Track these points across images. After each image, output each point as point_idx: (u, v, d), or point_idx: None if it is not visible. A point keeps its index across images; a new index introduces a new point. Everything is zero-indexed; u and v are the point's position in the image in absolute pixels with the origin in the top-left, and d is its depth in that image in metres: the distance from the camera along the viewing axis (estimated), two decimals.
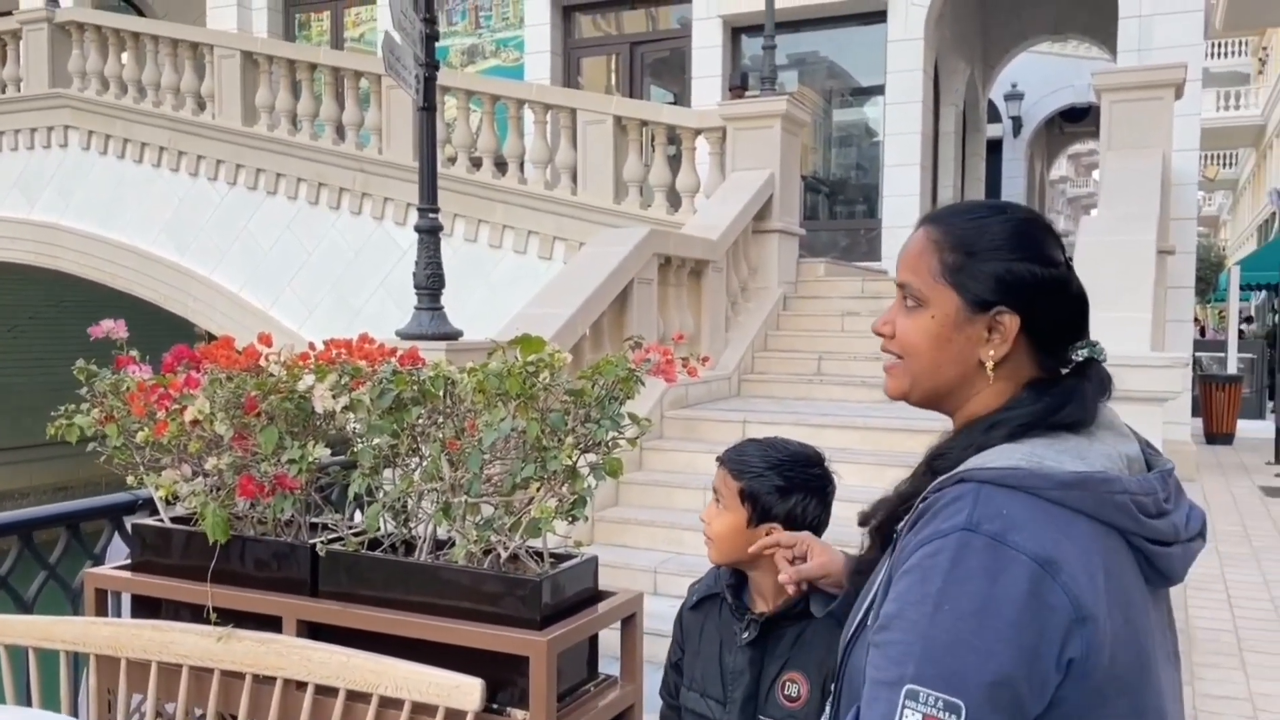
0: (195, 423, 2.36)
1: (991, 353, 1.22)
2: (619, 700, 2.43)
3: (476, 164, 9.75)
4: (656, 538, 5.58)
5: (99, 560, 3.25)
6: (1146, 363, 3.36)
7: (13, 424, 16.34)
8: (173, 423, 2.37)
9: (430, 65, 4.82)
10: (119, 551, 3.36)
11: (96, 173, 11.44)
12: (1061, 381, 1.22)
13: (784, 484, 1.93)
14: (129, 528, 3.39)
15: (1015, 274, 1.21)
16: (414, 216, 9.75)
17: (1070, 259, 1.29)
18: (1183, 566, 1.21)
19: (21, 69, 12.12)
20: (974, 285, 1.22)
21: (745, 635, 1.96)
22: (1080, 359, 1.23)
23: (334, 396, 2.25)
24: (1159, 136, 7.52)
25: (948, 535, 1.10)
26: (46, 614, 2.92)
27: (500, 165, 9.76)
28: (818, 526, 1.98)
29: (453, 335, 4.87)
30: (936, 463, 1.25)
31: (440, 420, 2.34)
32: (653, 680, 2.51)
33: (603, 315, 6.19)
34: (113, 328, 2.64)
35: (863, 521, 1.42)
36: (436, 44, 4.90)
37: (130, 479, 2.57)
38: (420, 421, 2.27)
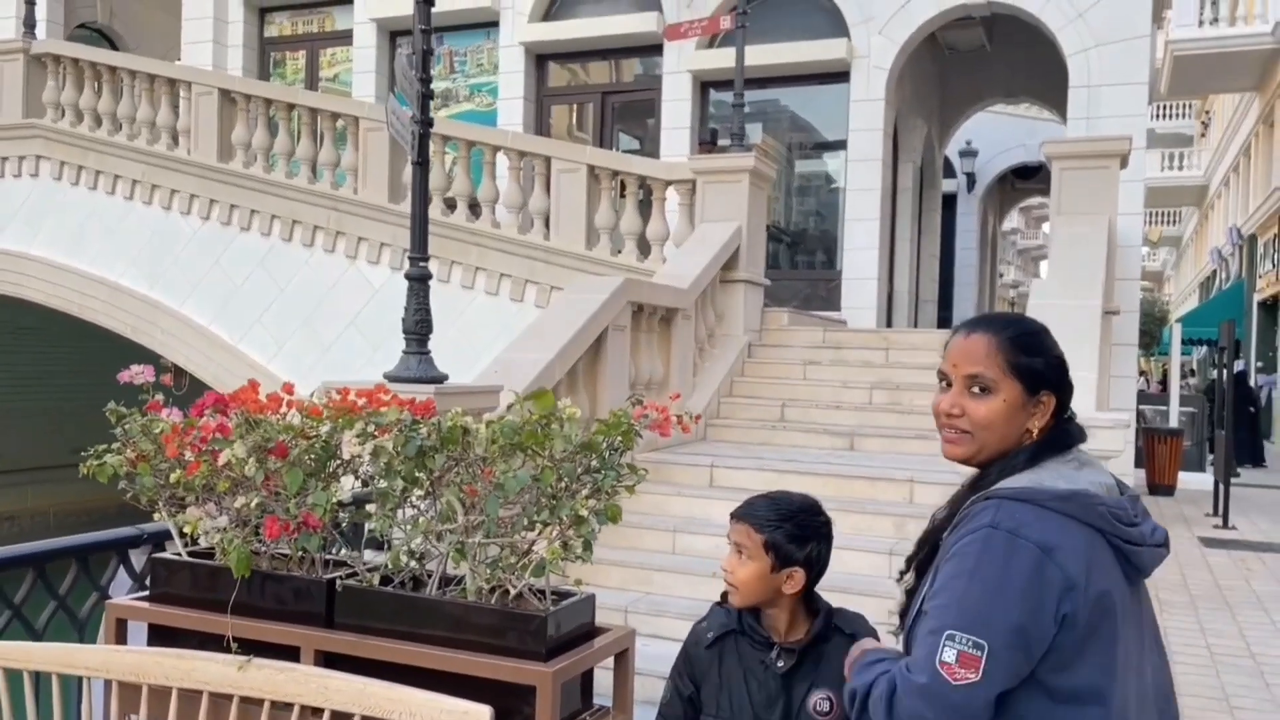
0: (226, 464, 2.54)
1: (1038, 423, 1.72)
2: None
3: (451, 206, 9.97)
4: (626, 578, 5.77)
5: (104, 591, 3.39)
6: (1092, 423, 3.66)
7: None
8: (204, 464, 2.55)
9: (425, 122, 5.07)
10: (122, 584, 3.51)
11: (68, 203, 11.49)
12: (1059, 427, 1.74)
13: (800, 533, 2.21)
14: (133, 561, 3.55)
15: (1054, 368, 1.74)
16: (387, 256, 10.04)
17: (1042, 331, 1.82)
18: (1151, 564, 1.69)
19: None
20: (1031, 378, 1.71)
21: (780, 663, 2.19)
22: (1067, 414, 1.77)
23: (360, 443, 2.45)
24: (1105, 203, 7.95)
25: (976, 532, 1.59)
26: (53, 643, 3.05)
27: (474, 208, 9.99)
28: (824, 566, 2.25)
29: (439, 379, 5.07)
30: (979, 482, 1.74)
31: (454, 466, 2.55)
32: (642, 713, 2.72)
33: (578, 360, 6.42)
34: (140, 372, 2.82)
35: (916, 550, 1.85)
36: (430, 100, 5.15)
37: (157, 515, 2.73)
38: (439, 467, 2.47)
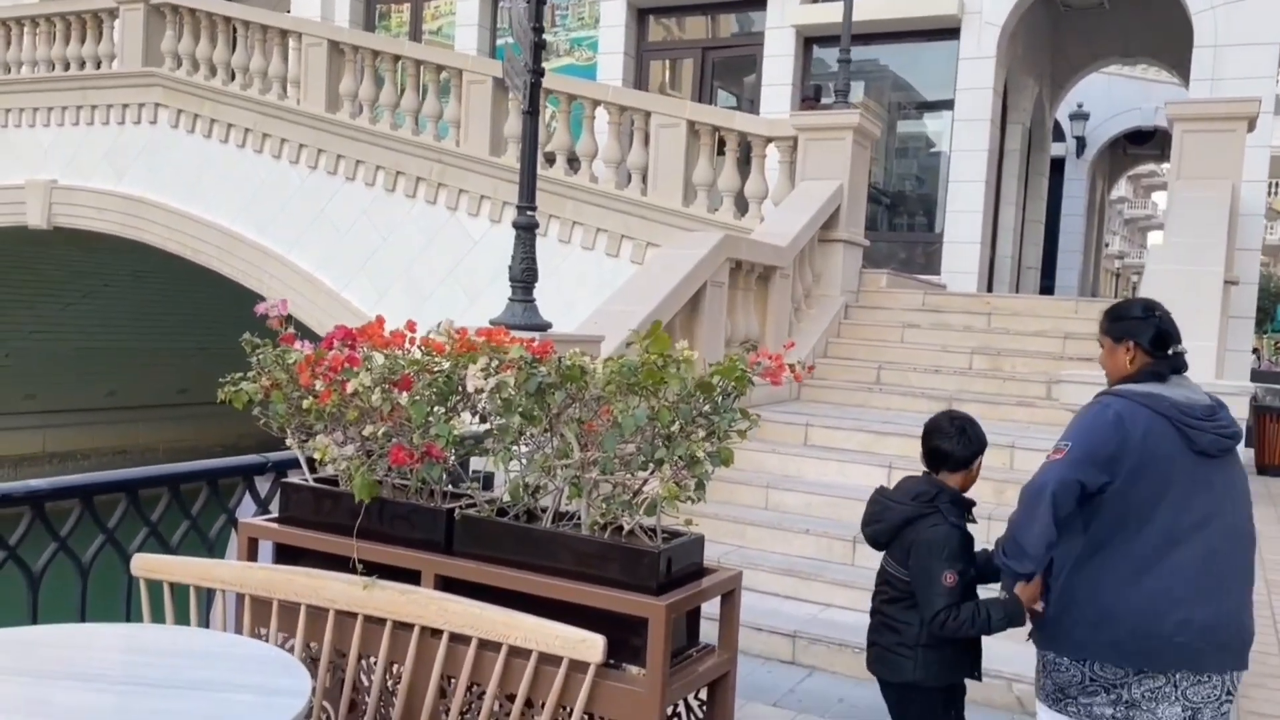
0: (354, 394, 2.65)
1: (1127, 359, 2.88)
2: (717, 666, 2.69)
3: (550, 160, 10.02)
4: (720, 530, 5.82)
5: (231, 514, 3.57)
6: (1212, 390, 3.53)
7: (78, 386, 16.92)
8: (334, 393, 2.66)
9: (536, 72, 5.11)
10: (247, 508, 3.68)
11: (183, 150, 11.89)
12: (1160, 362, 2.83)
13: None
14: (257, 487, 3.72)
15: (1130, 327, 2.89)
16: (486, 208, 10.17)
17: (1154, 310, 2.90)
18: (1211, 446, 2.70)
19: (116, 46, 12.62)
20: (1114, 334, 2.92)
21: None
22: (1173, 352, 2.85)
23: (484, 377, 2.52)
24: (1229, 167, 7.61)
25: (1092, 404, 2.80)
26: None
27: (572, 162, 10.04)
28: None
29: (543, 326, 5.15)
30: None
31: (572, 404, 2.61)
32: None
33: (675, 315, 6.44)
34: (275, 304, 2.94)
35: None
36: (543, 49, 5.18)
37: (288, 441, 2.87)
38: (558, 404, 2.54)
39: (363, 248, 10.78)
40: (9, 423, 16.31)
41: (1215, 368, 4.18)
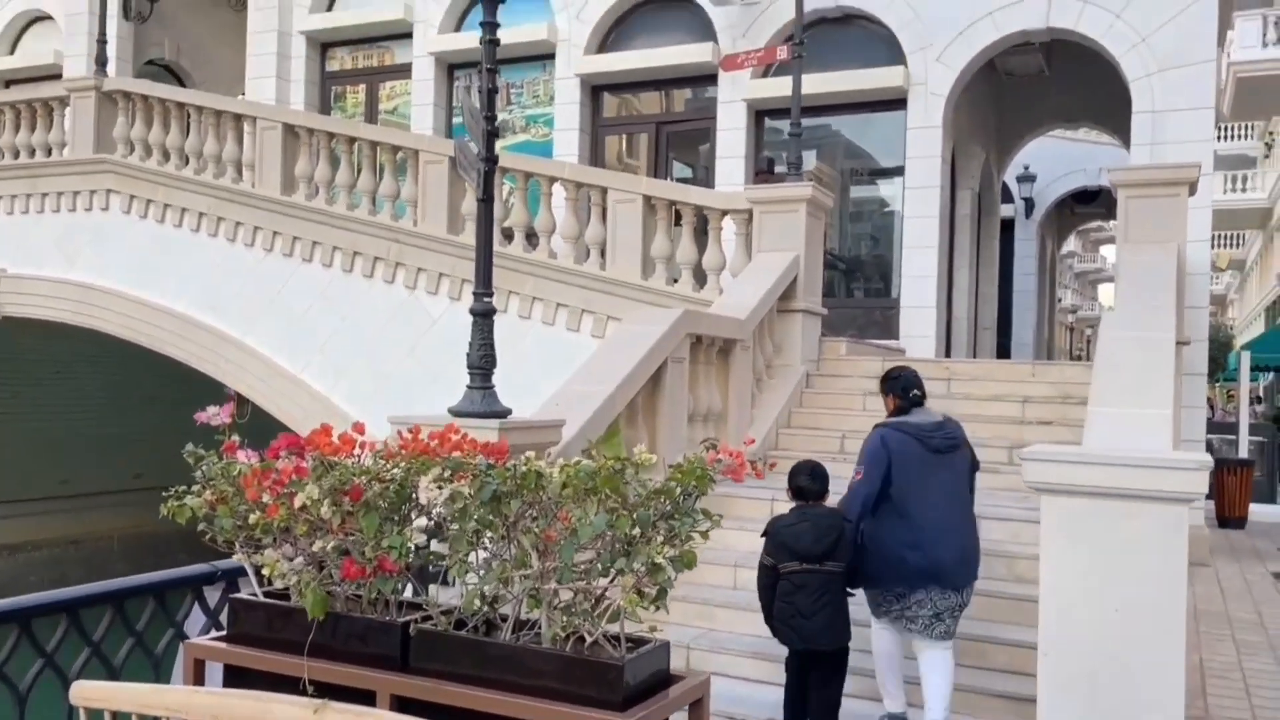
0: (303, 507, 2.56)
1: (890, 404, 5.14)
2: None
3: (508, 236, 10.05)
4: (688, 614, 5.72)
5: (180, 628, 3.43)
6: (1174, 465, 3.46)
7: (29, 475, 16.47)
8: (283, 507, 2.58)
9: (490, 160, 5.12)
10: (196, 620, 3.55)
11: (136, 236, 11.79)
12: (906, 402, 5.04)
13: None
14: (206, 596, 3.59)
15: (889, 385, 5.17)
16: (445, 286, 10.14)
17: (902, 372, 5.20)
18: (942, 446, 4.83)
19: (67, 133, 12.55)
20: (883, 390, 5.22)
21: None
22: (912, 395, 5.04)
23: (437, 488, 2.45)
24: (1174, 231, 7.77)
25: (869, 436, 4.96)
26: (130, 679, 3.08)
27: (530, 238, 10.06)
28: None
29: (502, 414, 5.09)
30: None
31: (528, 510, 2.54)
32: None
33: (638, 393, 6.40)
34: (216, 413, 2.86)
35: None
36: (497, 138, 5.20)
37: (236, 556, 2.76)
38: (514, 512, 2.47)
39: (321, 329, 10.69)
40: None
41: (1172, 437, 4.22)
